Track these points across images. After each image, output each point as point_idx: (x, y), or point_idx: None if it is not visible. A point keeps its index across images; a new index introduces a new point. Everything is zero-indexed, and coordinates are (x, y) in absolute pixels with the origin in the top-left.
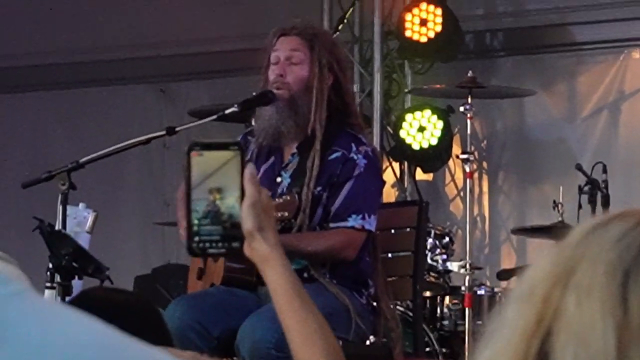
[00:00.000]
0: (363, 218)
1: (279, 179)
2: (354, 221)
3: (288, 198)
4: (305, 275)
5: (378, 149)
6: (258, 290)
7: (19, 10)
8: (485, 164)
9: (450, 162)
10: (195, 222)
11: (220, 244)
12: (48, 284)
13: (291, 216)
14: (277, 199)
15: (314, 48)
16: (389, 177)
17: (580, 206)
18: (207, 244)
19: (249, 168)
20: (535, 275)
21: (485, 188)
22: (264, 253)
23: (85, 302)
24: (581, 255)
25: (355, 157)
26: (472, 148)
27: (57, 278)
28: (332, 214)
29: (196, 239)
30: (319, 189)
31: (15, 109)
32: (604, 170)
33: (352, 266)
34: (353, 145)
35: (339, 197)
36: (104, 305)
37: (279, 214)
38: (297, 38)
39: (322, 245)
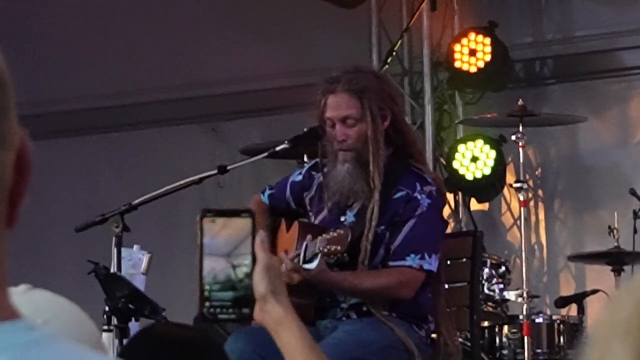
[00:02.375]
0: (422, 258)
1: (342, 218)
2: (412, 261)
3: (341, 232)
4: (364, 309)
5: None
6: (317, 325)
7: (69, 55)
8: (540, 192)
9: (506, 191)
10: (207, 287)
11: (230, 310)
12: (105, 327)
13: (343, 250)
14: (330, 233)
15: (364, 100)
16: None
17: (635, 231)
18: (218, 310)
19: (260, 235)
20: (598, 320)
21: (541, 216)
22: (279, 316)
23: (148, 339)
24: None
25: (419, 196)
26: (527, 176)
27: (114, 321)
28: (392, 252)
29: (207, 304)
30: (382, 227)
31: (67, 153)
32: None
33: (412, 301)
34: (418, 184)
35: (400, 236)
36: (166, 341)
37: (332, 248)
38: (346, 95)
39: (378, 283)
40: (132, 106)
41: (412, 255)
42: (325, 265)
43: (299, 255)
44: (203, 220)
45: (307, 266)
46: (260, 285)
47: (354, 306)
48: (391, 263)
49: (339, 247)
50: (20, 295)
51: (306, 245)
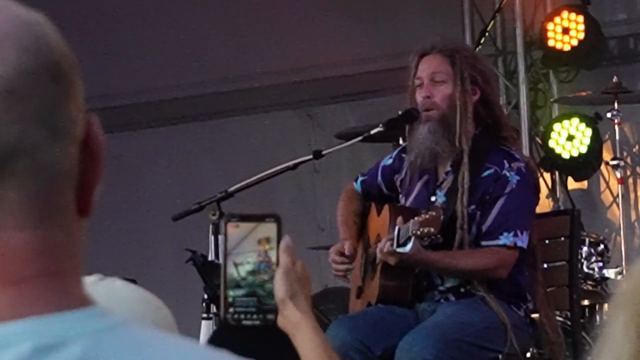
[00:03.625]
0: (515, 235)
1: (433, 198)
2: (505, 239)
3: (433, 213)
4: (462, 290)
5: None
6: (416, 308)
7: (164, 44)
8: (639, 169)
9: (604, 169)
10: (231, 293)
11: (255, 316)
12: (204, 315)
13: (437, 231)
14: (422, 215)
15: (455, 63)
16: (541, 187)
17: None
18: (242, 316)
19: (285, 239)
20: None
21: None
22: (296, 319)
23: (227, 325)
24: None
25: (507, 173)
26: (624, 154)
27: (213, 309)
28: (484, 232)
29: (231, 310)
30: (472, 207)
31: (163, 142)
32: None
33: (510, 280)
34: (505, 161)
35: (491, 215)
36: (240, 329)
37: (425, 230)
38: (438, 56)
39: (474, 263)
40: (227, 93)
41: (505, 234)
42: (420, 246)
43: (392, 239)
44: (227, 225)
45: (400, 250)
46: (279, 289)
47: (452, 288)
48: (484, 243)
49: (432, 229)
50: (92, 285)
51: (398, 229)
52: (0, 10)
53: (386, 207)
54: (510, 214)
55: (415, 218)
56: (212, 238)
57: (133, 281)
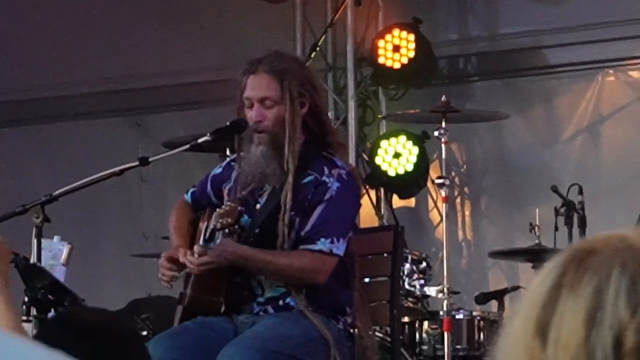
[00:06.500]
0: (332, 242)
1: (257, 206)
2: (322, 245)
3: (232, 204)
4: (281, 303)
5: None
6: (235, 320)
7: None
8: (466, 189)
9: (432, 188)
10: None
11: None
12: (24, 318)
13: (234, 222)
14: (222, 207)
15: (284, 81)
16: (366, 203)
17: (556, 228)
18: None
19: None
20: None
21: (467, 212)
22: None
23: (66, 321)
24: None
25: (327, 180)
26: (452, 173)
27: (33, 311)
28: (302, 237)
29: None
30: (292, 213)
31: None
32: (580, 192)
33: (329, 293)
34: (325, 168)
35: (310, 221)
36: (83, 324)
37: (223, 221)
38: (267, 76)
39: (290, 263)
40: (57, 99)
41: (323, 240)
42: (232, 241)
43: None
44: None
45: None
46: None
47: (271, 300)
48: (302, 247)
49: (229, 219)
50: None
51: (206, 226)
52: None
53: (206, 210)
54: (329, 221)
55: (217, 210)
56: (34, 241)
57: None
